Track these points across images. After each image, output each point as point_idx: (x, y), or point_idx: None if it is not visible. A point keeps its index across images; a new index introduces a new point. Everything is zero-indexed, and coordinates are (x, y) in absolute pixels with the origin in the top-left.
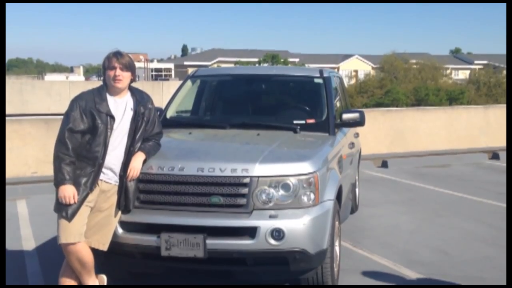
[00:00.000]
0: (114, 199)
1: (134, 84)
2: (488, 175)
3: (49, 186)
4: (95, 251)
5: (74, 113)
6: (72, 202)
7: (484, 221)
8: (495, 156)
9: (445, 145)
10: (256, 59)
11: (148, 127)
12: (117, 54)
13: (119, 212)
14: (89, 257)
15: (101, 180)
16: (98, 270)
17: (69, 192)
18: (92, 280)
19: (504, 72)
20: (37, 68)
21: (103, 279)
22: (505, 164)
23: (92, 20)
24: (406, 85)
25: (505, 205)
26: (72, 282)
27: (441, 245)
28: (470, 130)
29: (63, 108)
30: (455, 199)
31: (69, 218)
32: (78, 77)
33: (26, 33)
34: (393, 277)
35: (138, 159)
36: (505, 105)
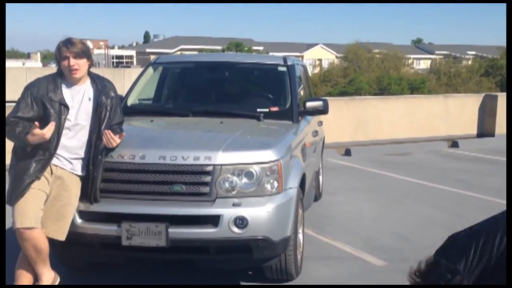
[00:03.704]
0: (72, 187)
1: (95, 71)
2: (447, 162)
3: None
4: (53, 242)
5: (24, 100)
6: (50, 133)
7: (444, 207)
8: (454, 144)
9: (406, 134)
10: (220, 47)
11: (112, 116)
12: (67, 43)
13: (78, 202)
14: (44, 245)
15: (56, 166)
16: (57, 261)
17: (39, 130)
18: (47, 269)
19: (464, 62)
20: None
21: (57, 279)
22: (464, 152)
23: (51, 4)
24: (369, 74)
25: (464, 192)
26: (28, 275)
27: (402, 231)
28: (431, 119)
29: (19, 95)
30: (416, 186)
31: (14, 202)
32: (35, 63)
33: None
34: (356, 263)
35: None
36: (464, 95)
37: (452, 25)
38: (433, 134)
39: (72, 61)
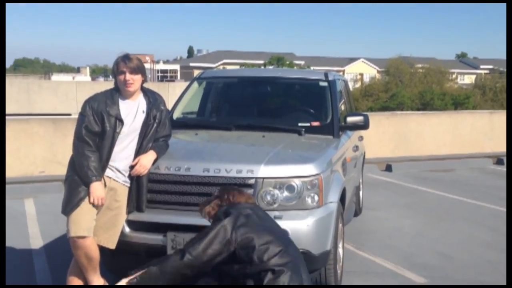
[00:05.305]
0: (123, 198)
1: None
2: (491, 180)
3: (56, 186)
4: (102, 249)
5: (87, 114)
6: (102, 203)
7: (487, 225)
8: (499, 161)
9: (449, 150)
10: (261, 62)
11: (159, 129)
12: (125, 59)
13: (127, 211)
14: (96, 254)
15: (109, 178)
16: (105, 269)
17: (100, 192)
18: (97, 276)
19: None
20: (43, 68)
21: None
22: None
23: (99, 20)
24: (412, 89)
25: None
26: (79, 282)
27: (443, 249)
28: (475, 135)
29: (69, 108)
30: (458, 203)
31: (69, 212)
32: (84, 77)
33: (33, 33)
34: (396, 280)
35: (149, 157)
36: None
37: (497, 39)
38: (477, 151)
39: (128, 76)
